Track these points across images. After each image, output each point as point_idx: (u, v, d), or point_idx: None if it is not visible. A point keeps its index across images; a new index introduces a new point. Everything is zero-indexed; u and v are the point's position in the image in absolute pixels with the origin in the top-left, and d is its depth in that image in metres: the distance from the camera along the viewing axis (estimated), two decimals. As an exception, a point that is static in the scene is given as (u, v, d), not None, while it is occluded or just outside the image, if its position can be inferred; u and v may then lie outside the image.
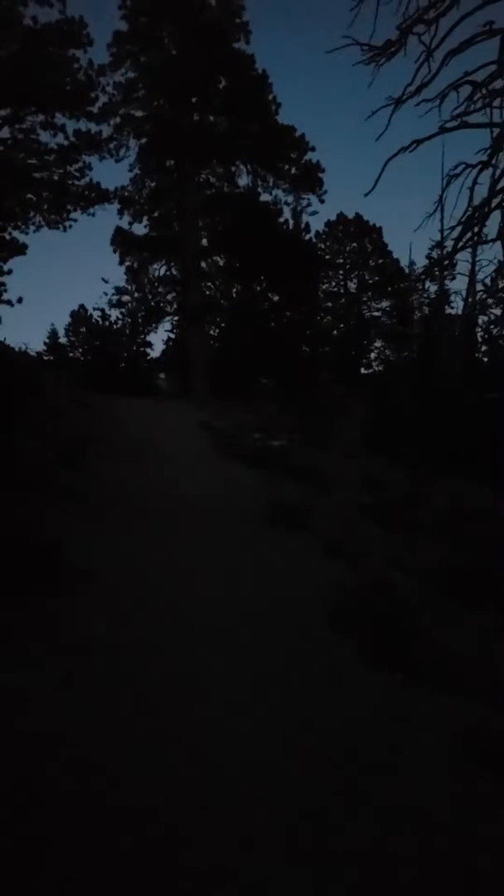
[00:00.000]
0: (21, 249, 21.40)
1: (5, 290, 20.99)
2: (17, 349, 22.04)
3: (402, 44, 11.01)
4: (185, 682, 3.50)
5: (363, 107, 51.44)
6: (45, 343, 32.20)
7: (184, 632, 4.14)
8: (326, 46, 11.57)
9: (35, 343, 33.66)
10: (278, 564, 5.77)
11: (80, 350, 33.40)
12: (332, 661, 3.90)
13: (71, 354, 33.25)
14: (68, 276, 56.71)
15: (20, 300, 21.29)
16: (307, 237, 32.53)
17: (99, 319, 31.95)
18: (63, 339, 33.30)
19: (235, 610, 4.57)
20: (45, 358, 30.68)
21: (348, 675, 3.73)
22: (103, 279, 32.29)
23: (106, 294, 31.22)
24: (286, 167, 29.46)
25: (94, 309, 31.90)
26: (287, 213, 30.63)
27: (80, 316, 33.56)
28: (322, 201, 30.16)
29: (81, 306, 33.04)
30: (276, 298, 30.38)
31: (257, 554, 6.00)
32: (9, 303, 20.91)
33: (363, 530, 7.15)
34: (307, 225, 31.78)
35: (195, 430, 14.25)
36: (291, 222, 31.06)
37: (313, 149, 28.95)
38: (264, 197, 30.16)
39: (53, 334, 32.87)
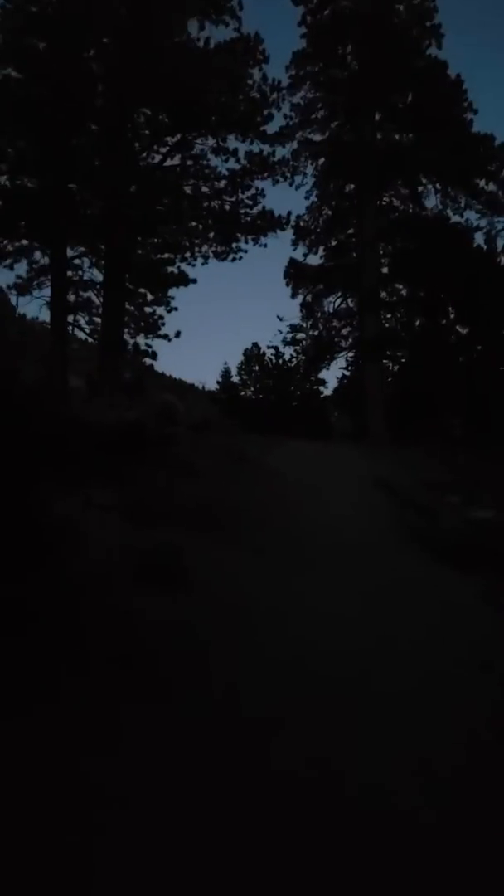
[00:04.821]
0: (182, 280, 19.74)
1: (163, 324, 19.40)
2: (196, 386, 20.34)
3: None
4: None
5: None
6: (217, 382, 31.04)
7: None
8: None
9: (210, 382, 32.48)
10: None
11: (252, 389, 32.08)
12: None
13: (243, 394, 32.02)
14: (236, 306, 56.00)
15: (178, 334, 19.65)
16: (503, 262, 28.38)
17: (272, 358, 30.36)
18: (235, 378, 32.09)
19: None
20: (219, 397, 29.52)
21: None
22: (278, 317, 30.62)
23: (280, 332, 29.33)
24: (481, 183, 25.85)
25: (269, 347, 30.35)
26: (480, 238, 26.82)
27: (252, 354, 32.22)
28: (524, 218, 26.06)
29: (255, 344, 31.73)
30: (465, 331, 26.62)
31: None
32: (165, 337, 19.28)
33: None
34: (504, 249, 27.61)
35: (368, 492, 11.12)
36: (485, 247, 27.16)
37: (514, 158, 25.12)
38: (454, 219, 26.74)
39: (226, 373, 31.72)
